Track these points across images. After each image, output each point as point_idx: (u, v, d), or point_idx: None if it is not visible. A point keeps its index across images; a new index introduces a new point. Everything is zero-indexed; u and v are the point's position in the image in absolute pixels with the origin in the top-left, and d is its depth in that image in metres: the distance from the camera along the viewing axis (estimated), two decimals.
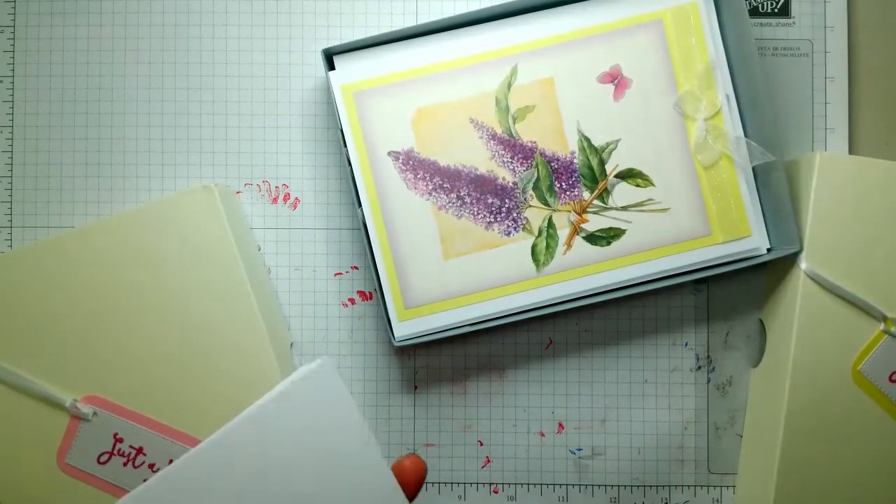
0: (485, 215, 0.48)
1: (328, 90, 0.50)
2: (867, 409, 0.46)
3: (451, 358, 0.52)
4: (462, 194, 0.48)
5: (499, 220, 0.48)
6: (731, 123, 0.48)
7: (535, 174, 0.48)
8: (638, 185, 0.48)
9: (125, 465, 0.45)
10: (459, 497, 0.51)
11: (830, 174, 0.46)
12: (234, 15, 0.52)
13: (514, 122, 0.48)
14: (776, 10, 0.52)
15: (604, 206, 0.48)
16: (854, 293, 0.46)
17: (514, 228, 0.48)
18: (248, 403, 0.42)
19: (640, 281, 0.48)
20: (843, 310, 0.46)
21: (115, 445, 0.45)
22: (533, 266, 0.48)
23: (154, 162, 0.52)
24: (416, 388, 0.52)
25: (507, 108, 0.48)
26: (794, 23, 0.52)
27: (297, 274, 0.52)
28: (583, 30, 0.48)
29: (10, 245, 0.51)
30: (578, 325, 0.52)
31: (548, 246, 0.48)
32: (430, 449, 0.52)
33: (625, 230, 0.48)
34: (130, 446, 0.45)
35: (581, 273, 0.48)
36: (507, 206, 0.48)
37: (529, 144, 0.48)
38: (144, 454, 0.45)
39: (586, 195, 0.48)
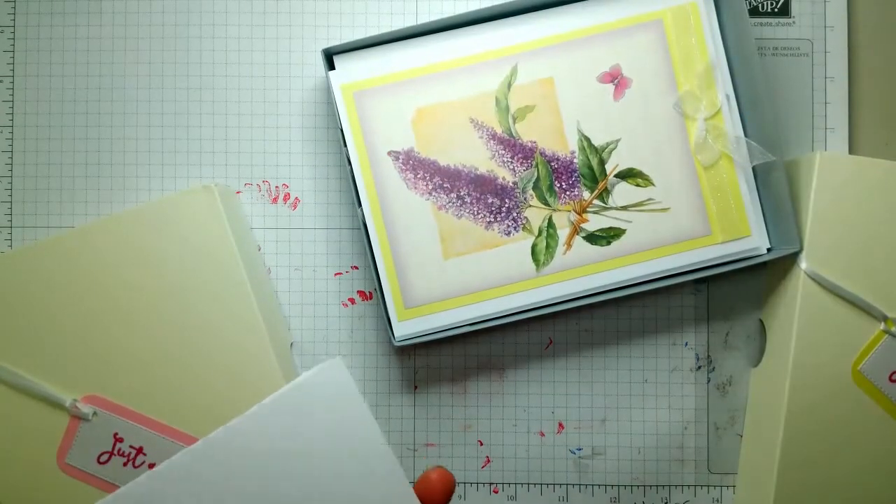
0: (485, 215, 0.48)
1: (328, 90, 0.50)
2: (867, 409, 0.46)
3: (451, 358, 0.52)
4: (462, 194, 0.48)
5: (499, 219, 0.48)
6: (731, 123, 0.48)
7: (535, 174, 0.48)
8: (638, 185, 0.48)
9: (125, 465, 0.45)
10: (459, 497, 0.51)
11: (830, 174, 0.46)
12: (234, 15, 0.52)
13: (514, 122, 0.48)
14: (776, 10, 0.52)
15: (604, 205, 0.48)
16: (854, 293, 0.46)
17: (514, 228, 0.48)
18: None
19: (640, 281, 0.48)
20: (843, 310, 0.46)
21: (115, 445, 0.45)
22: (533, 266, 0.48)
23: (154, 162, 0.52)
24: (416, 388, 0.52)
25: (507, 108, 0.48)
26: (794, 23, 0.52)
27: (297, 274, 0.52)
28: (583, 30, 0.48)
29: (10, 245, 0.51)
30: (578, 325, 0.52)
31: (548, 246, 0.48)
32: (430, 449, 0.52)
33: (625, 230, 0.48)
34: (130, 446, 0.45)
35: (581, 273, 0.48)
36: (507, 205, 0.48)
37: (529, 144, 0.48)
38: (144, 454, 0.45)
39: (586, 195, 0.48)
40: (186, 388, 0.45)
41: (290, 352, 0.50)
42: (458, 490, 0.51)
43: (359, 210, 0.48)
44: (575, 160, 0.48)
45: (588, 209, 0.48)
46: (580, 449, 0.52)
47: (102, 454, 0.45)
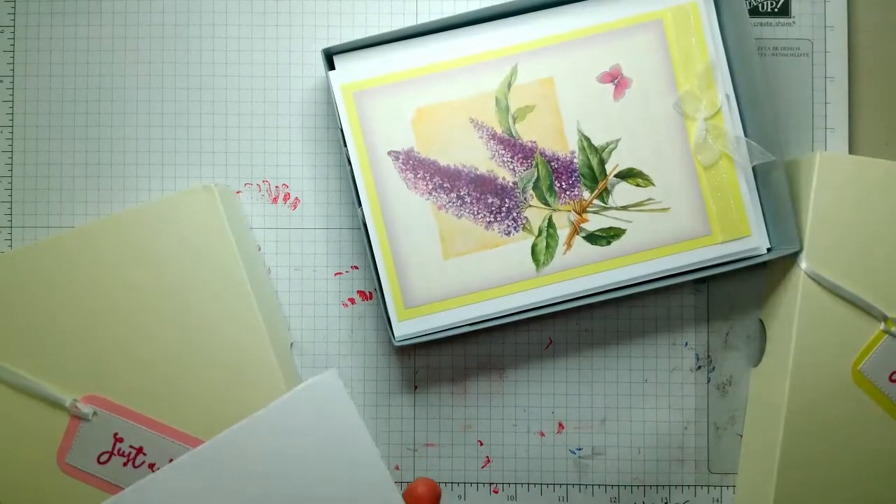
0: (485, 215, 0.48)
1: (328, 90, 0.50)
2: (867, 409, 0.46)
3: (451, 358, 0.52)
4: (462, 194, 0.48)
5: (499, 219, 0.48)
6: (731, 123, 0.48)
7: (535, 174, 0.48)
8: (638, 185, 0.48)
9: (125, 464, 0.45)
10: (459, 497, 0.51)
11: (830, 174, 0.46)
12: (234, 15, 0.52)
13: (514, 122, 0.48)
14: (776, 10, 0.52)
15: (604, 205, 0.48)
16: (854, 293, 0.46)
17: (514, 228, 0.48)
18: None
19: (640, 281, 0.48)
20: (843, 310, 0.46)
21: (115, 445, 0.45)
22: (533, 266, 0.48)
23: (154, 162, 0.52)
24: (416, 388, 0.52)
25: (507, 108, 0.48)
26: (794, 23, 0.52)
27: (297, 274, 0.52)
28: (583, 30, 0.48)
29: (10, 245, 0.51)
30: (578, 325, 0.52)
31: (548, 246, 0.48)
32: (430, 449, 0.52)
33: (625, 230, 0.48)
34: (130, 446, 0.45)
35: (581, 273, 0.48)
36: (507, 205, 0.48)
37: (529, 144, 0.48)
38: (144, 454, 0.45)
39: (586, 195, 0.48)
40: (186, 388, 0.45)
41: (290, 352, 0.50)
42: (458, 490, 0.51)
43: (359, 210, 0.48)
44: (575, 160, 0.48)
45: (588, 209, 0.48)
46: (580, 449, 0.52)
47: (102, 454, 0.45)
